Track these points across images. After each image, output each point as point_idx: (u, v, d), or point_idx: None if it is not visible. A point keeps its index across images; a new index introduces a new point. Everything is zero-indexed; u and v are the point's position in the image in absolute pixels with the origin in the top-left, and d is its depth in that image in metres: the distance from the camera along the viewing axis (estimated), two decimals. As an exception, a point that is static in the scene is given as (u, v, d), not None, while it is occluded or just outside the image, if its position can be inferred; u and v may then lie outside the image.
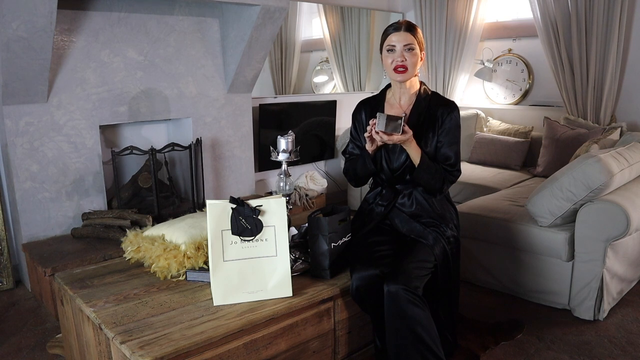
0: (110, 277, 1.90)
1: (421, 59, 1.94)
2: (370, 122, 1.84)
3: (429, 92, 2.01)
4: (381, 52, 1.97)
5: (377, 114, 1.79)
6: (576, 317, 2.47)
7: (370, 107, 2.08)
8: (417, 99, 1.99)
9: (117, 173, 2.98)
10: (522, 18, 4.35)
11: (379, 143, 1.85)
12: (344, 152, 2.16)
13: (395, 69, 1.91)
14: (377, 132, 1.80)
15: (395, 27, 1.91)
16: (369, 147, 1.90)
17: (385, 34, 1.93)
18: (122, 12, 2.97)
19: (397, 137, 1.80)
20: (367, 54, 5.01)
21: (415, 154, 1.88)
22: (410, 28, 1.90)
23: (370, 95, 2.17)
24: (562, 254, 2.48)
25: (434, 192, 1.97)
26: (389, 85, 2.07)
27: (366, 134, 1.87)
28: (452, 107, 1.97)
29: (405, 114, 1.94)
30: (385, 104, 2.06)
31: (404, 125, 1.78)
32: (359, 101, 2.14)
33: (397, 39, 1.89)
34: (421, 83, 2.04)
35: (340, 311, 1.87)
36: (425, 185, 1.94)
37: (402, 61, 1.89)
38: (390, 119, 1.77)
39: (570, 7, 3.71)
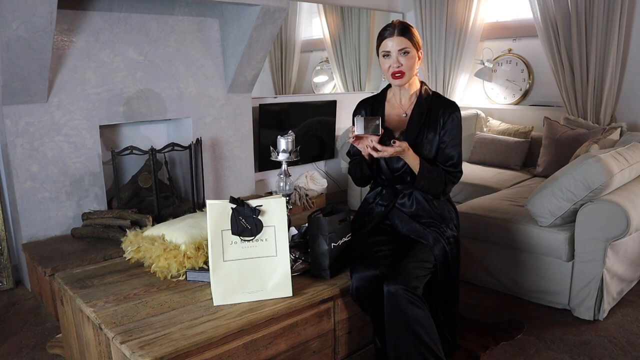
0: (110, 277, 1.90)
1: (419, 58, 1.94)
2: (351, 128, 1.83)
3: (430, 93, 2.01)
4: (378, 55, 1.97)
5: (355, 118, 1.80)
6: (576, 317, 2.47)
7: (370, 107, 2.07)
8: (419, 99, 1.99)
9: (117, 173, 2.98)
10: (522, 18, 4.35)
11: (375, 156, 1.84)
12: (348, 154, 2.16)
13: (392, 75, 1.91)
14: (359, 138, 1.81)
15: (389, 32, 1.89)
16: (364, 153, 1.90)
17: (380, 39, 1.93)
18: (122, 12, 2.97)
19: (391, 150, 1.80)
20: (367, 54, 5.00)
21: (413, 163, 1.88)
22: (404, 31, 1.88)
23: (371, 95, 2.16)
24: (562, 254, 2.48)
25: (436, 196, 1.97)
26: (389, 85, 2.07)
27: (349, 140, 1.87)
28: (453, 107, 1.97)
29: (381, 117, 1.94)
30: (386, 104, 2.06)
31: (382, 127, 1.79)
32: (359, 101, 2.14)
33: (392, 44, 1.88)
34: (422, 83, 2.04)
35: (340, 311, 1.87)
36: (427, 191, 1.95)
37: (399, 67, 1.89)
38: (368, 121, 1.78)
39: (570, 7, 3.71)
